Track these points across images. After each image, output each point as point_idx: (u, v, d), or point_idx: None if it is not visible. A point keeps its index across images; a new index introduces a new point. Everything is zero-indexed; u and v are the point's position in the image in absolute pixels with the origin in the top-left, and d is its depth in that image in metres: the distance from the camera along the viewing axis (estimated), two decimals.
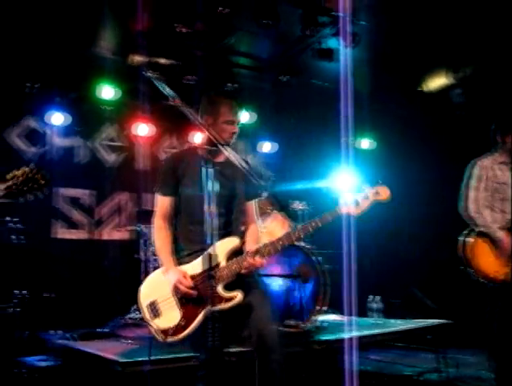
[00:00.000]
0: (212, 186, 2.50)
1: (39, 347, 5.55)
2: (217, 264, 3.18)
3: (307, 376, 5.00)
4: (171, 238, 3.41)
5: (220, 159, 3.39)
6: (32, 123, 6.99)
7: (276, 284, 5.34)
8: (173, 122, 7.58)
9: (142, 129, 7.44)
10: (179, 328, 3.19)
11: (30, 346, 5.51)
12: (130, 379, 4.12)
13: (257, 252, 3.23)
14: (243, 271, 3.22)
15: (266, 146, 8.72)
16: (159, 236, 3.41)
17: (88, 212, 7.33)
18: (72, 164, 7.26)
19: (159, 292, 3.28)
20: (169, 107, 7.13)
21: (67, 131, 7.19)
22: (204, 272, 3.17)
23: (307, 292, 5.39)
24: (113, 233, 7.39)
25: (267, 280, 5.29)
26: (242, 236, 3.46)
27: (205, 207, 2.95)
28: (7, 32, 5.94)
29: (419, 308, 7.24)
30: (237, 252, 3.28)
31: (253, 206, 3.59)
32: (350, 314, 6.45)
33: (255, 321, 3.19)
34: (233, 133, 3.41)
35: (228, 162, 3.26)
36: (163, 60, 2.80)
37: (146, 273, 5.20)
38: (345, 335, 5.42)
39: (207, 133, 2.81)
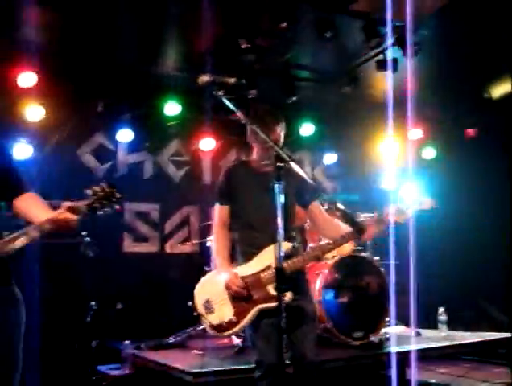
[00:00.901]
0: (278, 198, 2.58)
1: (108, 356, 5.74)
2: (269, 266, 3.39)
3: None
4: (227, 243, 3.66)
5: (270, 169, 3.47)
6: (102, 140, 7.26)
7: (343, 295, 5.33)
8: (237, 136, 7.68)
9: (207, 144, 7.59)
10: (231, 324, 3.44)
11: (100, 356, 5.69)
12: None
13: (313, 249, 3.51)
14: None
15: (328, 158, 8.72)
16: (216, 240, 3.68)
17: (156, 226, 7.53)
18: (139, 179, 7.49)
19: (213, 291, 3.53)
20: (233, 121, 7.39)
21: (134, 147, 7.43)
22: (256, 273, 3.45)
23: (374, 303, 5.36)
24: (180, 246, 7.55)
25: (333, 291, 5.31)
26: (293, 241, 3.60)
27: (262, 215, 3.35)
28: (79, 54, 6.18)
29: (487, 320, 7.08)
30: (287, 256, 3.39)
31: (317, 206, 3.73)
32: (417, 326, 6.39)
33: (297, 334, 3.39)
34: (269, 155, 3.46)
35: (270, 173, 3.37)
36: (231, 80, 2.87)
37: None
38: (413, 347, 5.36)
39: (273, 147, 2.88)
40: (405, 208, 3.47)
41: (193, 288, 3.63)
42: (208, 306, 3.50)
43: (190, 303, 3.65)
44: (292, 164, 2.42)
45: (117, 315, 6.72)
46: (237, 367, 4.40)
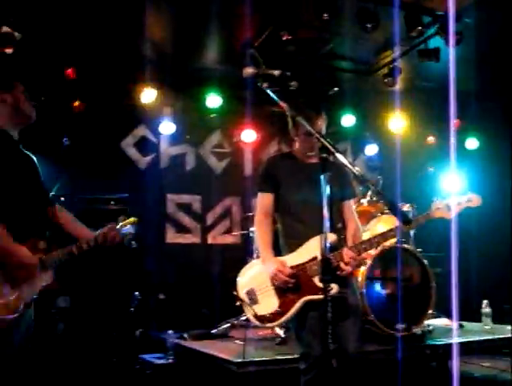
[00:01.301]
0: (324, 190, 2.57)
1: (152, 346, 5.81)
2: (314, 258, 3.35)
3: (421, 382, 4.96)
4: (270, 232, 3.60)
5: (313, 161, 3.59)
6: (145, 132, 7.36)
7: (385, 287, 5.31)
8: (278, 128, 7.72)
9: (248, 135, 7.62)
10: (276, 315, 3.39)
11: (143, 345, 5.81)
12: (243, 379, 4.26)
13: (353, 247, 3.39)
14: (344, 268, 3.33)
15: (369, 149, 8.67)
16: (260, 229, 3.62)
17: (198, 217, 7.61)
18: (181, 171, 7.58)
19: (257, 280, 3.48)
20: (273, 113, 7.43)
21: (176, 139, 7.51)
22: (301, 264, 3.40)
23: (417, 295, 5.32)
24: (222, 237, 7.62)
25: (376, 283, 5.29)
26: (339, 233, 3.57)
27: (308, 205, 3.33)
28: (121, 47, 6.27)
29: None
30: (333, 248, 3.35)
31: (350, 206, 3.72)
32: (459, 319, 6.32)
33: (340, 327, 3.32)
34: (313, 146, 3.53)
35: (315, 165, 3.42)
36: (275, 72, 2.87)
37: None
38: (456, 340, 5.32)
39: (319, 139, 2.87)
40: (453, 205, 3.43)
41: (235, 279, 3.61)
42: (252, 296, 3.46)
43: (234, 292, 3.58)
44: (338, 155, 2.41)
45: (160, 305, 6.82)
46: (281, 357, 4.43)
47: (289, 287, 3.38)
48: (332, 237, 3.30)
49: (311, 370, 3.43)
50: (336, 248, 3.38)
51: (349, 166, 2.40)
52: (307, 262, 3.40)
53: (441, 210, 3.43)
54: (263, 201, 3.64)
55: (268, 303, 3.42)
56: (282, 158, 3.79)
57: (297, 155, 3.69)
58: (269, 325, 3.49)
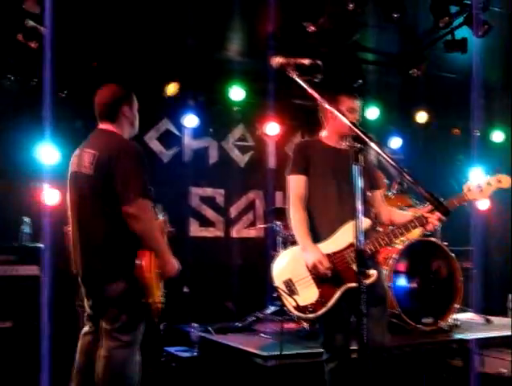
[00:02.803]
0: (356, 178, 2.51)
1: (176, 339, 5.81)
2: (351, 245, 3.26)
3: (447, 376, 4.91)
4: (307, 218, 3.48)
5: (342, 148, 3.56)
6: (168, 126, 7.36)
7: (412, 281, 5.26)
8: (301, 120, 7.67)
9: (272, 128, 7.58)
10: (318, 305, 3.31)
11: (168, 338, 5.79)
12: (269, 372, 4.24)
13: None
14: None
15: (394, 142, 8.58)
16: (297, 215, 3.48)
17: (222, 211, 7.59)
18: (204, 164, 7.55)
19: (295, 270, 3.40)
20: (297, 106, 7.38)
21: (199, 132, 7.50)
22: (339, 251, 3.34)
23: (444, 289, 5.26)
24: (246, 231, 7.60)
25: (403, 276, 5.25)
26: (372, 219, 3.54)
27: (342, 190, 3.35)
28: (145, 41, 6.25)
29: None
30: (366, 234, 3.28)
31: (380, 194, 3.71)
32: (485, 313, 6.26)
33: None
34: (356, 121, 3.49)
35: (348, 153, 3.41)
36: (306, 61, 2.83)
37: None
38: (483, 335, 5.26)
39: (351, 126, 2.81)
40: (484, 185, 3.37)
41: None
42: (291, 287, 3.37)
43: (275, 284, 3.45)
44: (372, 144, 2.36)
45: (184, 299, 6.82)
46: (308, 351, 4.40)
47: (328, 276, 3.31)
48: (366, 222, 3.23)
49: (333, 360, 3.43)
50: (369, 234, 3.32)
51: (384, 155, 2.35)
52: (344, 249, 3.34)
53: (473, 192, 3.37)
54: (298, 184, 3.54)
55: (308, 293, 3.33)
56: (314, 142, 3.73)
57: (327, 142, 3.64)
58: (311, 316, 3.35)
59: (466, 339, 5.08)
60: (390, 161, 2.32)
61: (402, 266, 5.26)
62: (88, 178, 3.39)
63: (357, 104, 3.59)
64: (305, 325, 5.27)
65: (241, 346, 4.68)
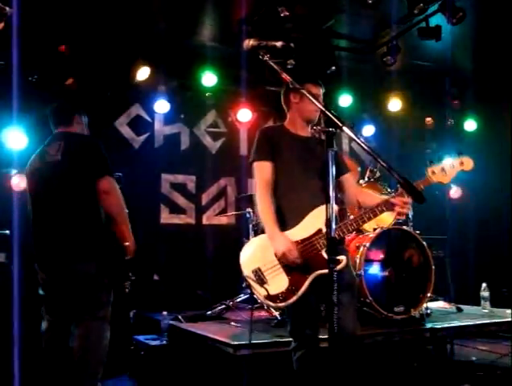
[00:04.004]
0: (329, 164, 2.44)
1: (146, 327, 5.76)
2: (320, 230, 3.25)
3: (418, 365, 4.90)
4: (273, 205, 3.41)
5: (307, 134, 3.57)
6: (139, 111, 7.23)
7: (384, 270, 5.23)
8: (274, 107, 7.58)
9: (244, 115, 7.51)
10: (288, 293, 3.24)
11: (137, 326, 5.75)
12: (238, 361, 4.18)
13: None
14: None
15: (367, 129, 8.55)
16: (264, 203, 3.41)
17: (193, 197, 7.52)
18: (176, 150, 7.47)
19: (263, 258, 3.32)
20: (270, 92, 7.30)
21: (171, 118, 7.39)
22: (308, 238, 3.29)
23: (416, 278, 5.24)
24: (218, 218, 7.53)
25: (374, 265, 5.21)
26: (340, 204, 3.57)
27: (308, 177, 3.34)
28: (116, 26, 6.11)
29: None
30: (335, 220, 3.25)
31: (349, 178, 3.67)
32: (457, 302, 6.28)
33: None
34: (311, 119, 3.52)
35: (313, 139, 3.53)
36: (278, 43, 2.75)
37: None
38: (454, 324, 5.27)
39: (324, 111, 2.74)
40: (448, 168, 3.40)
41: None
42: (260, 276, 3.29)
43: (243, 274, 3.35)
44: (346, 129, 2.29)
45: (154, 286, 6.75)
46: (277, 339, 4.35)
47: (298, 264, 3.25)
48: (334, 208, 3.20)
49: (301, 348, 3.40)
50: (337, 220, 3.21)
51: (357, 140, 2.28)
52: (312, 236, 3.28)
53: (437, 174, 3.39)
54: (264, 170, 3.46)
55: (278, 282, 3.26)
56: (278, 129, 3.67)
57: (292, 128, 3.60)
58: (282, 304, 3.27)
59: (438, 328, 5.06)
60: (364, 146, 2.26)
61: (373, 254, 5.22)
62: (56, 165, 3.63)
63: (321, 91, 3.57)
64: (276, 313, 5.22)
65: (210, 335, 4.61)
